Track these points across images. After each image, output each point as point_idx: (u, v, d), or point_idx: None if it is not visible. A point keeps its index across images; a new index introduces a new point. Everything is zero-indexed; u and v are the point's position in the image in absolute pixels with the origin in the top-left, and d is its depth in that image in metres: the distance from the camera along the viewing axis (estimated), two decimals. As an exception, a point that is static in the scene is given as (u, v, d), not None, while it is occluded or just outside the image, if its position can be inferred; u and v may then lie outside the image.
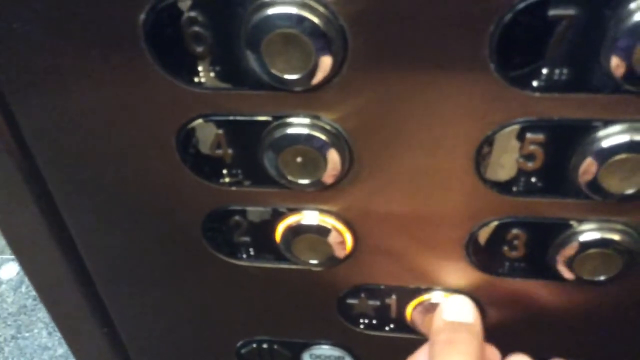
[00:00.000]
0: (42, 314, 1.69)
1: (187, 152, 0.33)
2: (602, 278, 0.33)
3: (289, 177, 0.32)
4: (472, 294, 0.37)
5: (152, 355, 0.48)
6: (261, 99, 0.31)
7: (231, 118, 0.31)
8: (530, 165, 0.30)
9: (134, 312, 0.44)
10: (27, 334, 1.66)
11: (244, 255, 0.38)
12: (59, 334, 1.64)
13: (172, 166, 0.34)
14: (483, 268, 0.36)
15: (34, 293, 1.74)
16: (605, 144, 0.28)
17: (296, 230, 0.36)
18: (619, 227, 0.32)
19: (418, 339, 0.41)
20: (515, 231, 0.34)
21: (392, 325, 0.41)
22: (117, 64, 0.30)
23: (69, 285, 0.42)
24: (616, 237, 0.32)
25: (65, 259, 0.41)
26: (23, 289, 1.76)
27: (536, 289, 0.36)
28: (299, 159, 0.32)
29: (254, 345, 0.44)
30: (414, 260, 0.37)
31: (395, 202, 0.34)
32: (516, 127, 0.29)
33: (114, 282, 0.43)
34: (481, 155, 0.31)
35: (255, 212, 0.36)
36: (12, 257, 1.83)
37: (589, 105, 0.28)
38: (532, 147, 0.30)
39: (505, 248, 0.34)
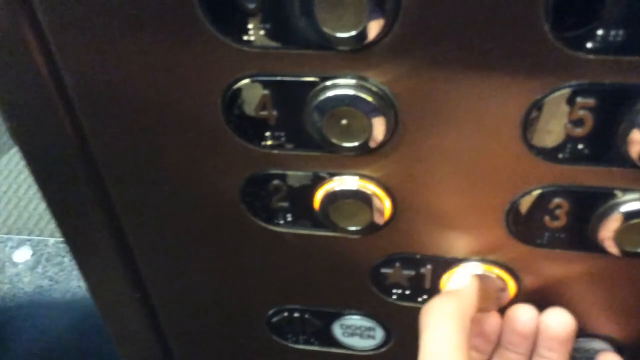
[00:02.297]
0: (58, 294, 1.71)
1: (231, 113, 0.33)
2: (645, 250, 0.33)
3: (333, 140, 0.32)
4: (509, 264, 0.37)
5: (181, 321, 0.48)
6: (309, 59, 0.31)
7: (278, 78, 0.32)
8: (578, 131, 0.30)
9: (167, 276, 0.45)
10: (44, 314, 1.68)
11: (282, 221, 0.39)
12: (75, 314, 1.66)
13: (215, 127, 0.34)
14: (522, 238, 0.36)
15: (50, 274, 1.76)
16: (657, 109, 0.28)
17: (335, 196, 0.36)
18: (665, 197, 0.32)
19: (451, 310, 0.41)
20: (557, 200, 0.33)
21: (425, 297, 0.41)
22: (167, 21, 0.30)
23: (105, 247, 0.43)
24: (661, 207, 0.32)
25: (103, 221, 0.41)
26: (39, 269, 1.78)
27: (575, 261, 0.36)
28: (343, 122, 0.32)
29: (285, 314, 0.45)
30: (452, 230, 0.37)
31: (437, 169, 0.34)
32: (567, 90, 0.29)
33: (149, 246, 0.43)
34: (529, 121, 0.30)
35: (295, 176, 0.36)
36: (29, 238, 1.86)
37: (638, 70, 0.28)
38: (581, 112, 0.30)
39: (547, 218, 0.34)
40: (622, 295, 0.38)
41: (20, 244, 1.85)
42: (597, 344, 0.40)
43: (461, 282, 0.37)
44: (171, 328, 0.48)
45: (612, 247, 0.34)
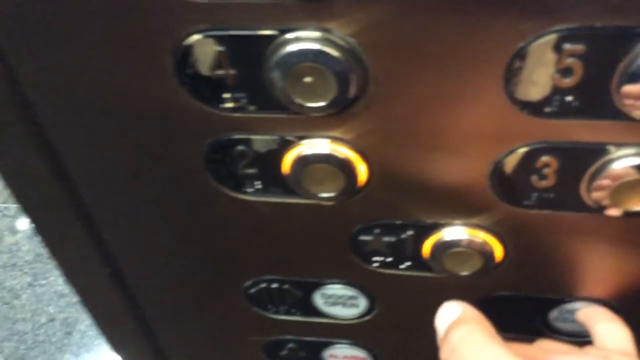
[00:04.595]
0: (57, 262, 1.71)
1: (184, 74, 0.30)
2: (640, 209, 0.31)
3: (297, 100, 0.29)
4: (495, 228, 0.35)
5: (157, 295, 0.46)
6: (266, 9, 0.27)
7: (232, 33, 0.28)
8: (566, 81, 0.27)
9: (136, 250, 0.43)
10: (43, 282, 1.68)
11: (251, 189, 0.36)
12: (74, 282, 1.66)
13: (169, 90, 0.31)
14: (508, 200, 0.33)
15: (47, 242, 1.75)
16: (655, 53, 0.25)
17: (305, 161, 0.33)
18: (663, 152, 0.29)
19: (434, 277, 0.39)
20: (545, 158, 0.31)
21: (408, 263, 0.39)
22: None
23: (69, 223, 0.41)
24: (659, 163, 0.29)
25: (65, 196, 0.39)
26: (39, 237, 1.77)
27: (566, 222, 0.34)
28: (308, 79, 0.29)
29: (263, 285, 0.43)
30: (433, 193, 0.34)
31: (414, 129, 0.31)
32: (553, 36, 0.26)
33: (114, 219, 0.41)
34: (512, 71, 0.27)
35: (261, 141, 0.33)
36: (26, 207, 1.84)
37: (637, 9, 0.25)
38: (569, 60, 0.26)
39: (534, 177, 0.32)
40: (614, 256, 0.35)
41: (18, 212, 1.83)
42: (582, 306, 0.38)
43: (452, 313, 0.34)
44: (147, 303, 0.46)
45: (606, 207, 0.31)
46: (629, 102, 0.27)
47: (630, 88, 0.26)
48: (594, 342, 0.35)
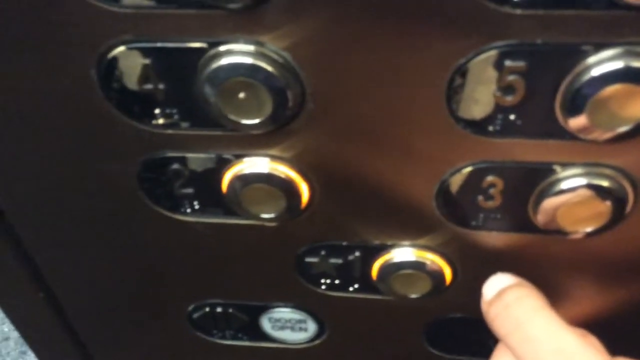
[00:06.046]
0: None
1: (111, 88, 0.28)
2: (588, 230, 0.30)
3: (231, 117, 0.28)
4: (443, 249, 0.34)
5: (95, 322, 0.43)
6: (194, 20, 0.26)
7: (159, 45, 0.27)
8: (509, 99, 0.26)
9: (71, 275, 0.40)
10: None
11: (188, 210, 0.34)
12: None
13: (97, 105, 0.29)
14: (455, 220, 0.32)
15: None
16: (596, 71, 0.24)
17: (244, 180, 0.31)
18: (609, 171, 0.28)
19: (385, 299, 0.37)
20: (491, 178, 0.30)
21: (356, 286, 0.37)
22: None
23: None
24: (605, 183, 0.28)
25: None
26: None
27: (515, 243, 0.32)
28: (241, 95, 0.27)
29: (207, 310, 0.40)
30: (379, 213, 0.33)
31: (356, 147, 0.30)
32: (493, 52, 0.25)
33: (47, 242, 0.38)
34: (453, 89, 0.26)
35: (197, 159, 0.31)
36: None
37: (578, 25, 0.24)
38: (511, 78, 0.25)
39: (480, 197, 0.30)
40: (568, 277, 0.35)
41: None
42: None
43: (506, 281, 0.33)
44: (85, 330, 0.44)
45: (554, 228, 0.30)
46: (573, 120, 0.26)
47: (574, 106, 0.26)
48: None
